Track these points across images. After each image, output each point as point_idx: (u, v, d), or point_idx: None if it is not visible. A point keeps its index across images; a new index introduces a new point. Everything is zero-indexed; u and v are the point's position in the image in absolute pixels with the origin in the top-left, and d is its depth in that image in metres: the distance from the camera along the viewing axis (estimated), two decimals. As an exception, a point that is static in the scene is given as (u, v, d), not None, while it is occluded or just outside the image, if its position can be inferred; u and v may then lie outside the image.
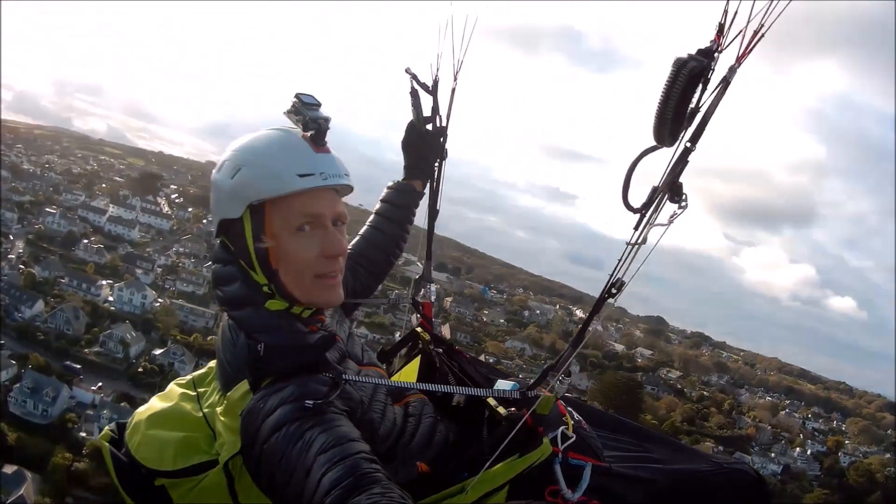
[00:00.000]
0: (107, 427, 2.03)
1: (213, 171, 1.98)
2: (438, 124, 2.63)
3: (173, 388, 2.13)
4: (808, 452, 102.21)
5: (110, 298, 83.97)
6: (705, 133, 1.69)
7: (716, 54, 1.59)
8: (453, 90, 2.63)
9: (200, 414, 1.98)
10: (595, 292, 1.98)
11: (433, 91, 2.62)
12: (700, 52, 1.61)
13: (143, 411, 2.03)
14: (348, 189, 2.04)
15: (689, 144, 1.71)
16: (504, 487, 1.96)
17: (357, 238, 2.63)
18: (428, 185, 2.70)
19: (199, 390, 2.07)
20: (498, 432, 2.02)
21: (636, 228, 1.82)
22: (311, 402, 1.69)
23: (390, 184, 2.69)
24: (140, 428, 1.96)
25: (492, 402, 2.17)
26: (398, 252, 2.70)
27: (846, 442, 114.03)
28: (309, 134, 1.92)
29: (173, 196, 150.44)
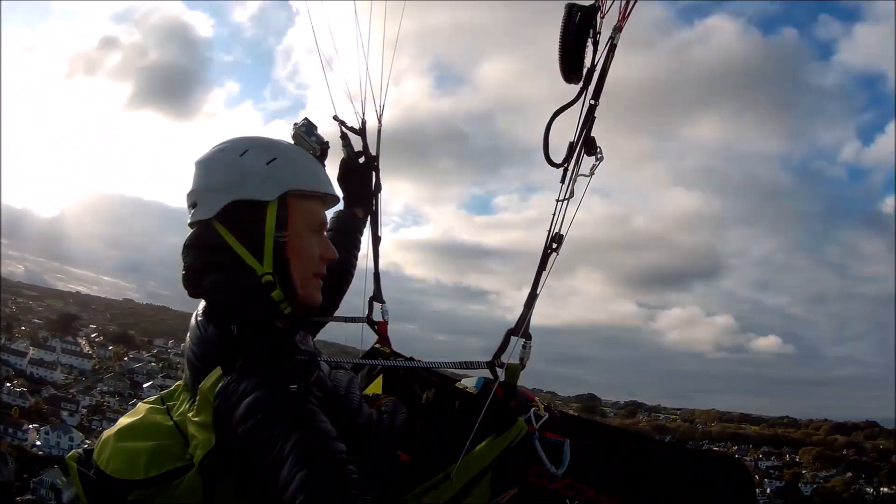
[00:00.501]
0: (74, 450, 1.92)
1: (230, 152, 2.02)
2: (373, 162, 2.87)
3: (141, 406, 2.06)
4: (768, 491, 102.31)
5: (38, 443, 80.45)
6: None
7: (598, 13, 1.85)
8: (379, 130, 2.90)
9: (171, 423, 1.92)
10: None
11: (362, 132, 2.88)
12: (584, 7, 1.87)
13: (111, 430, 1.94)
14: (335, 202, 2.28)
15: (593, 101, 1.95)
16: (486, 475, 1.97)
17: None
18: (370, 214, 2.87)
19: (168, 404, 2.02)
20: (471, 409, 2.02)
21: (562, 182, 2.01)
22: (292, 385, 1.69)
23: (332, 215, 2.80)
24: (109, 443, 1.86)
25: (460, 385, 2.22)
26: (349, 279, 2.80)
27: (803, 472, 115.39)
28: (317, 152, 2.20)
29: (93, 335, 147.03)
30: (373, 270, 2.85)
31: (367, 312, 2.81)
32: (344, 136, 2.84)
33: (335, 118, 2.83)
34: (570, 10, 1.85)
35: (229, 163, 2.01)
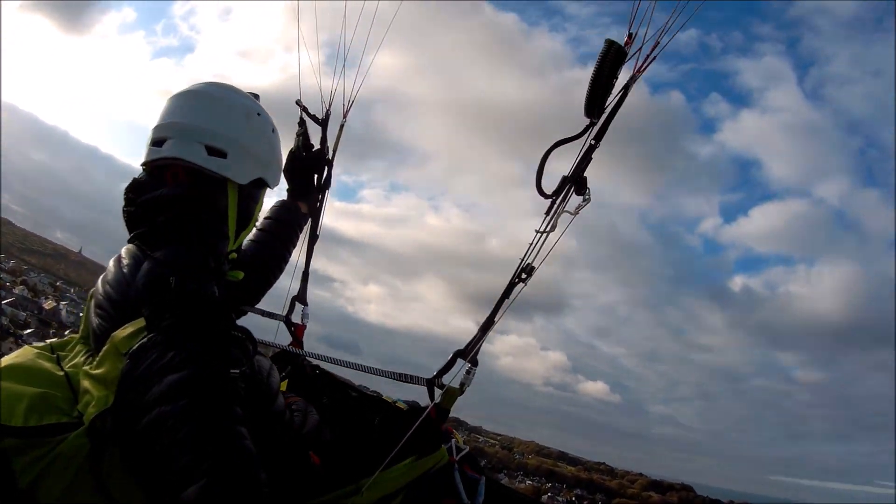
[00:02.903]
0: None
1: (264, 121, 1.99)
2: (327, 156, 2.80)
3: (27, 349, 1.75)
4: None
5: None
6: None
7: (628, 53, 1.86)
8: (342, 126, 2.82)
9: (62, 373, 1.64)
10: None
11: (324, 123, 2.80)
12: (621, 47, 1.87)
13: None
14: None
15: (593, 142, 1.93)
16: (399, 496, 1.90)
17: None
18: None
19: (59, 353, 1.75)
20: (398, 424, 1.97)
21: (547, 214, 1.96)
22: (232, 370, 1.48)
23: (275, 202, 2.69)
24: None
25: (387, 398, 2.15)
26: (279, 273, 2.62)
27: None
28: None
29: None
30: (302, 269, 2.76)
31: (286, 311, 2.70)
32: (302, 123, 2.74)
33: (298, 103, 2.75)
34: (611, 46, 1.83)
35: (265, 132, 1.98)
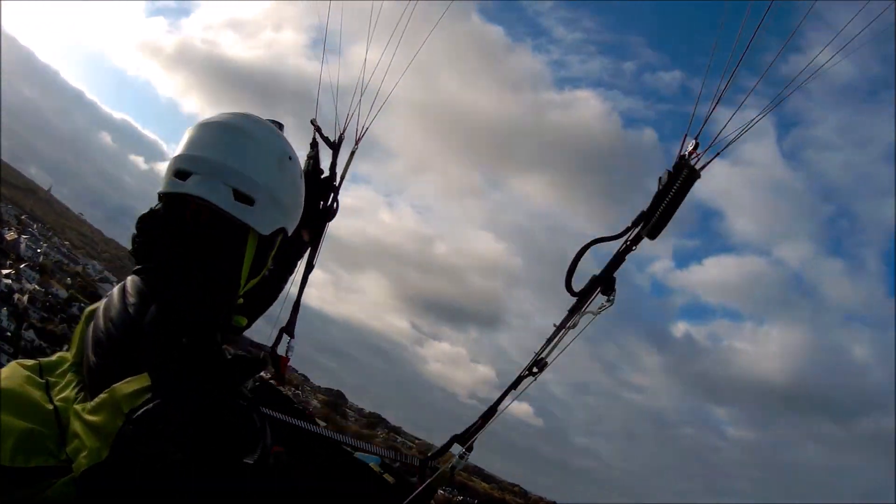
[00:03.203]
0: None
1: (294, 165, 1.83)
2: (335, 182, 2.67)
3: (15, 367, 1.59)
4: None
5: None
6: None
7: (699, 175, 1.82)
8: (353, 152, 2.71)
9: (51, 407, 1.49)
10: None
11: (336, 147, 2.67)
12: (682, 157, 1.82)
13: None
14: None
15: (633, 245, 1.89)
16: None
17: None
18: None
19: (49, 378, 1.59)
20: (383, 497, 1.90)
21: (571, 312, 1.91)
22: (248, 458, 1.39)
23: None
24: None
25: (375, 468, 2.05)
26: (272, 302, 2.47)
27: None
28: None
29: None
30: (294, 299, 2.63)
31: (272, 343, 2.55)
32: (314, 145, 2.61)
33: (313, 122, 2.63)
34: (691, 173, 1.78)
35: (294, 180, 1.81)
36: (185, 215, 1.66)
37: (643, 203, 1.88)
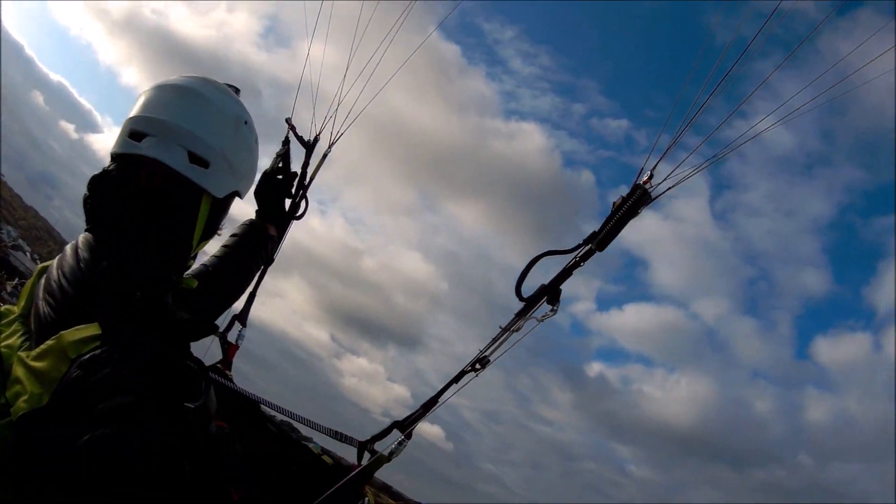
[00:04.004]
0: None
1: (250, 130, 1.89)
2: (306, 182, 2.71)
3: None
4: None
5: None
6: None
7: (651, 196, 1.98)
8: (325, 154, 2.76)
9: None
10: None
11: (310, 147, 2.72)
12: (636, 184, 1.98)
13: None
14: None
15: (582, 262, 2.04)
16: None
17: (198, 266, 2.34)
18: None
19: None
20: (321, 478, 1.95)
21: (518, 315, 2.03)
22: (188, 403, 1.41)
23: (244, 221, 2.54)
24: None
25: (314, 449, 2.09)
26: (238, 293, 2.49)
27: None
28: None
29: None
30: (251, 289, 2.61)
31: (224, 328, 2.54)
32: (286, 143, 2.63)
33: (287, 121, 2.66)
34: (644, 194, 1.94)
35: (249, 144, 1.87)
36: (139, 177, 1.68)
37: (574, 242, 2.04)
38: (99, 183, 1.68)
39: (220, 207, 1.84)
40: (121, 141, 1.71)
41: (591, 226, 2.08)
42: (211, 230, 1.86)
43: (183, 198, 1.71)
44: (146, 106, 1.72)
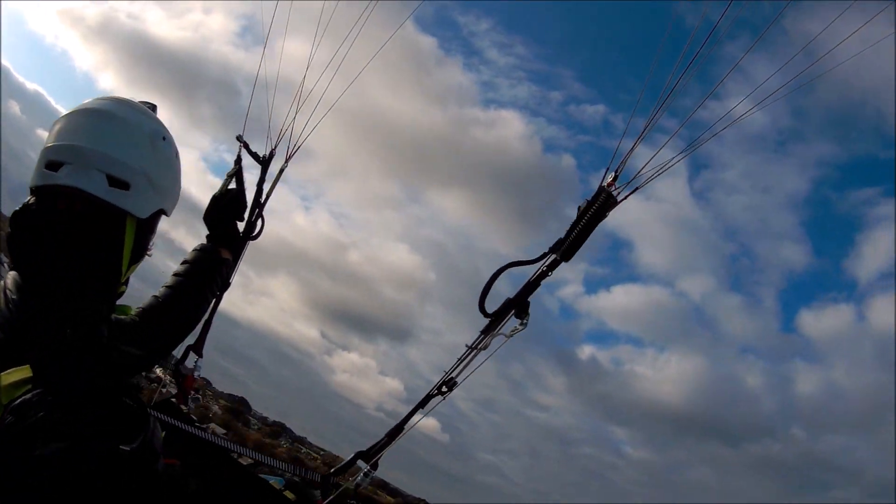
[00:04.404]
0: None
1: (168, 146, 1.84)
2: (262, 199, 2.62)
3: None
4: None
5: None
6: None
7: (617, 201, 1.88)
8: (282, 169, 2.65)
9: None
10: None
11: (265, 163, 2.62)
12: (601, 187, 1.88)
13: None
14: None
15: (548, 270, 1.94)
16: None
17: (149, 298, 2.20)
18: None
19: None
20: None
21: (483, 332, 1.93)
22: (123, 447, 1.36)
23: (196, 247, 2.37)
24: None
25: (273, 482, 2.00)
26: (193, 324, 2.32)
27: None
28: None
29: None
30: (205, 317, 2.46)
31: (177, 360, 2.43)
32: (238, 162, 2.49)
33: (239, 138, 2.53)
34: (608, 198, 1.85)
35: (169, 159, 1.82)
36: (58, 207, 1.64)
37: (558, 227, 1.96)
38: (20, 218, 1.64)
39: (147, 228, 1.82)
40: (38, 173, 1.66)
41: (574, 211, 2.00)
42: (139, 252, 1.83)
43: (106, 223, 1.68)
44: (61, 134, 1.67)
